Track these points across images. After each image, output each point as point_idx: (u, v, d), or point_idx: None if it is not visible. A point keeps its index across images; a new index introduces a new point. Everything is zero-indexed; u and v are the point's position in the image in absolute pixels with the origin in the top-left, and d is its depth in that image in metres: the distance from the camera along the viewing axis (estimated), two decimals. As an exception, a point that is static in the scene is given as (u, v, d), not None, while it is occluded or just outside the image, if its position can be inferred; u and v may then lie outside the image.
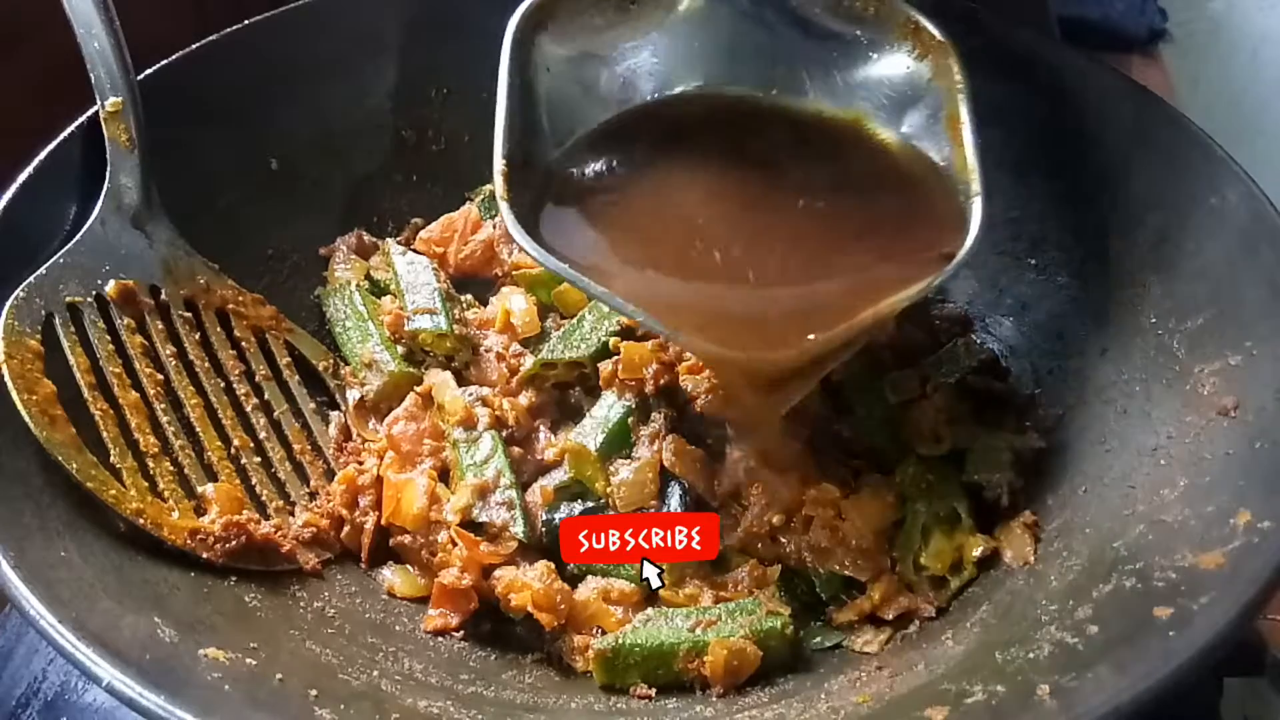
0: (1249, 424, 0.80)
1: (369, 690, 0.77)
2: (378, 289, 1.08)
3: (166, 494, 0.83)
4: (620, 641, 0.83)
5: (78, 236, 0.89)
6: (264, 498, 0.89)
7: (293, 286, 1.07)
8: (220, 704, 0.68)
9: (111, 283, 0.88)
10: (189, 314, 0.93)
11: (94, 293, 0.87)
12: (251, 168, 1.06)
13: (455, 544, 0.88)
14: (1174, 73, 1.79)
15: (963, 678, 0.74)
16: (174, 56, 1.01)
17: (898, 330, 1.03)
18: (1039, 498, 0.93)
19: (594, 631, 0.86)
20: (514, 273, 1.07)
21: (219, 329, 0.95)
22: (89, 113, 0.94)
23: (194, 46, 1.03)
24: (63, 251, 0.87)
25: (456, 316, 1.02)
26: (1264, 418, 0.79)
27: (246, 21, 1.06)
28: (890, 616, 0.86)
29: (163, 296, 0.92)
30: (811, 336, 0.79)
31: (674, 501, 0.90)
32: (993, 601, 0.85)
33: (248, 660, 0.73)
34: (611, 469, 0.91)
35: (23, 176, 0.89)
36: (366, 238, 1.11)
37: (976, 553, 0.88)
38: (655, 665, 0.83)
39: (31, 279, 0.84)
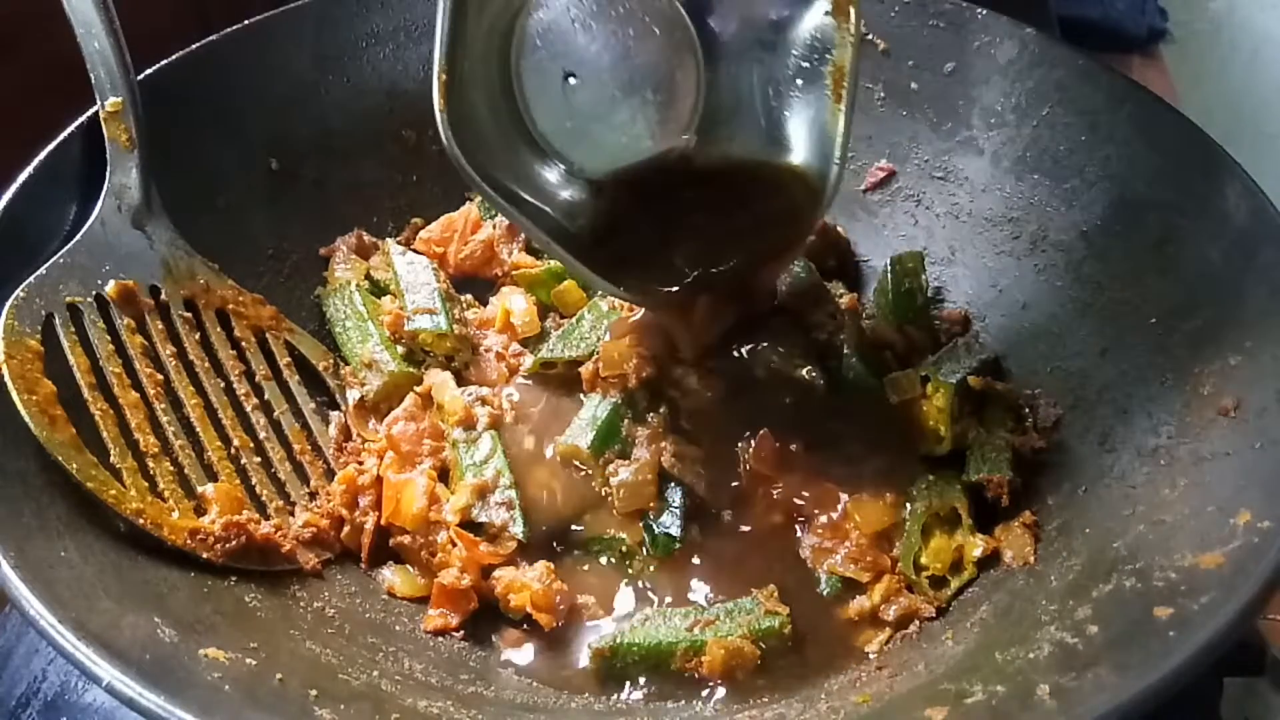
0: (1249, 424, 0.80)
1: (369, 690, 0.77)
2: (378, 289, 1.08)
3: (166, 494, 0.83)
4: (618, 640, 0.83)
5: (78, 236, 0.89)
6: (264, 498, 0.89)
7: (293, 286, 1.07)
8: (220, 704, 0.68)
9: (111, 283, 0.88)
10: (189, 314, 0.93)
11: (94, 293, 0.87)
12: (251, 168, 1.06)
13: (455, 544, 0.88)
14: (1174, 73, 1.79)
15: (963, 678, 0.74)
16: (174, 56, 1.01)
17: (898, 331, 1.03)
18: (1039, 498, 0.93)
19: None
20: (514, 273, 1.07)
21: (219, 329, 0.95)
22: (89, 113, 0.94)
23: (194, 46, 1.03)
24: (63, 251, 0.87)
25: (456, 316, 1.02)
26: (1264, 418, 0.79)
27: (246, 21, 1.06)
28: (890, 616, 0.86)
29: (163, 296, 0.92)
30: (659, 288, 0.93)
31: (674, 503, 0.90)
32: (993, 601, 0.85)
33: (248, 660, 0.73)
34: (610, 470, 0.91)
35: (23, 176, 0.89)
36: (366, 238, 1.11)
37: (976, 553, 0.88)
38: (653, 664, 0.83)
39: (31, 279, 0.84)
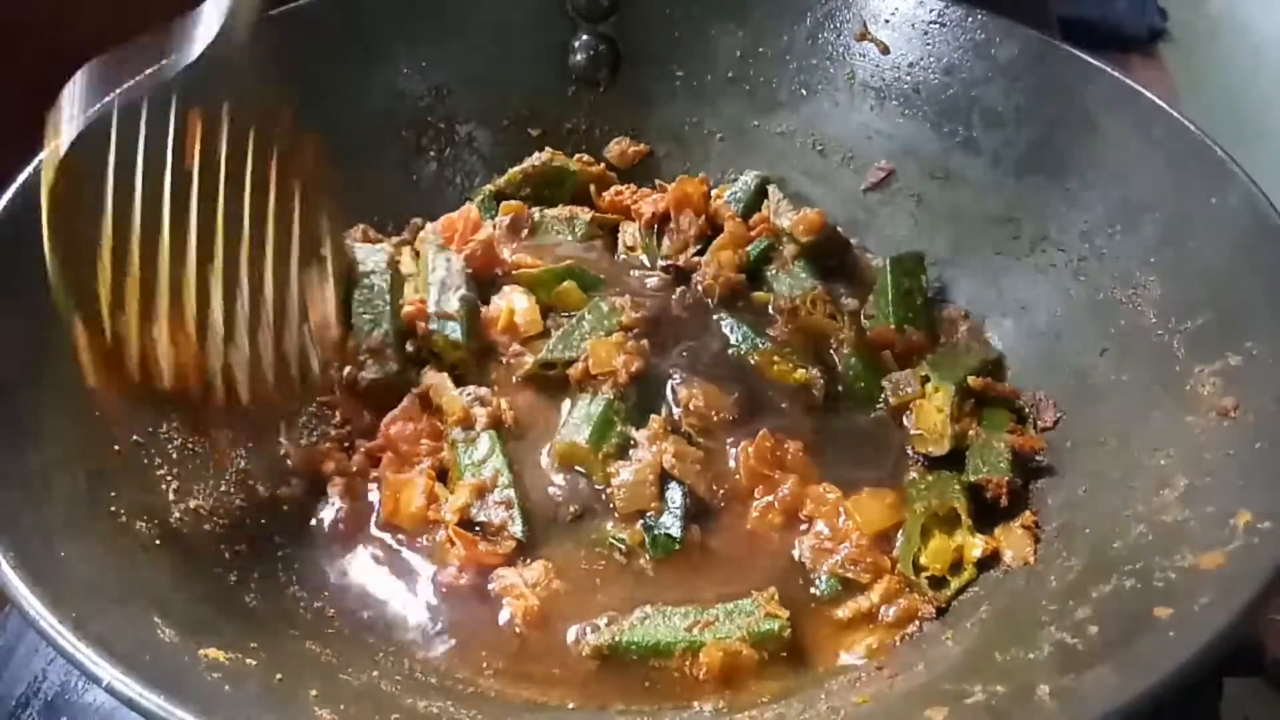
0: (1249, 424, 0.80)
1: (369, 690, 0.77)
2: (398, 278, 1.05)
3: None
4: (617, 639, 0.83)
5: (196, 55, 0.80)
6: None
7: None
8: (220, 704, 0.68)
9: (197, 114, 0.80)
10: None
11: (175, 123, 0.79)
12: (251, 167, 1.06)
13: (454, 543, 0.88)
14: (1174, 73, 1.79)
15: (963, 678, 0.74)
16: (174, 56, 1.01)
17: (898, 331, 1.03)
18: (1039, 498, 0.93)
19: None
20: (514, 272, 1.07)
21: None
22: (89, 112, 0.93)
23: (194, 46, 1.02)
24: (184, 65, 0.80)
25: (473, 329, 1.00)
26: (1264, 418, 0.79)
27: (246, 21, 1.06)
28: (890, 617, 0.86)
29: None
30: None
31: (674, 503, 0.90)
32: (993, 602, 0.85)
33: (248, 660, 0.73)
34: (612, 470, 0.91)
35: (23, 176, 0.89)
36: (371, 234, 1.11)
37: (976, 553, 0.88)
38: (652, 664, 0.83)
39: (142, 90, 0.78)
